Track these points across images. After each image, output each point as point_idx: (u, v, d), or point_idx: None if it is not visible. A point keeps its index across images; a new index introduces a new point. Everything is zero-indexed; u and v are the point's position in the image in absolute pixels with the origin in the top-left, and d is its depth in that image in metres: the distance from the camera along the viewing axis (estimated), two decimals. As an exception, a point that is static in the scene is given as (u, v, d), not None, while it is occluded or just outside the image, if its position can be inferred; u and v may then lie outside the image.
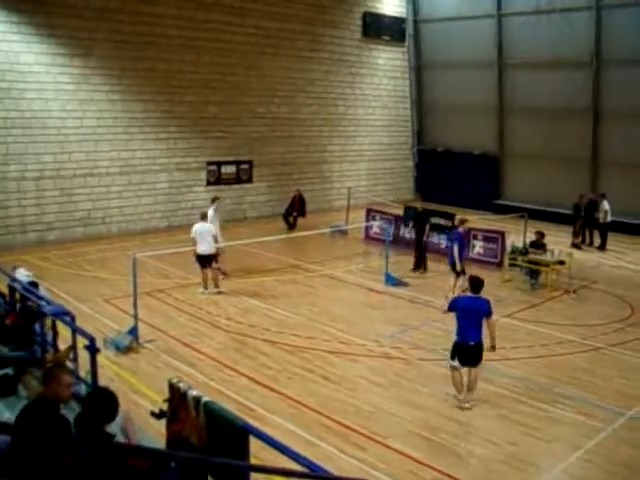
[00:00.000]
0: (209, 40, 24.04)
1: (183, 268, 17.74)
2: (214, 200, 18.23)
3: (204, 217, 16.27)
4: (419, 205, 18.97)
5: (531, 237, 18.79)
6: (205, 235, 15.63)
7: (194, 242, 15.68)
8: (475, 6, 29.11)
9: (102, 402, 5.27)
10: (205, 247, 15.58)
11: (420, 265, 18.68)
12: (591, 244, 22.11)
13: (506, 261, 18.81)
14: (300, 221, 24.16)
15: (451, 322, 14.14)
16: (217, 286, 15.95)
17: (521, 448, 9.09)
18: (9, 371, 7.66)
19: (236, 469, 5.21)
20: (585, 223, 22.25)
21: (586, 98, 26.07)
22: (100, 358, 7.88)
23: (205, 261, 15.73)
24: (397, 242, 20.78)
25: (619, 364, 12.30)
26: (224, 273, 16.93)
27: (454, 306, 10.58)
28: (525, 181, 28.75)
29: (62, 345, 8.63)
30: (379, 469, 8.43)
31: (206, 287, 15.89)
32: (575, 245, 21.52)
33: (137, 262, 12.91)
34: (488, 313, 10.23)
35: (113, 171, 22.47)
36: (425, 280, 17.89)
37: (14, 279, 10.07)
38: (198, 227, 15.83)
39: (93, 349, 7.39)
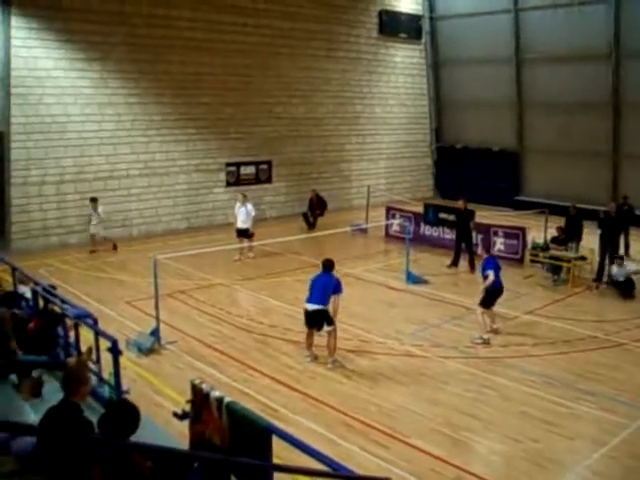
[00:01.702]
0: (224, 41, 24.10)
1: (204, 269, 17.85)
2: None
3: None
4: (461, 204, 18.90)
5: (552, 233, 18.70)
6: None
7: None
8: (492, 1, 28.96)
9: (123, 415, 5.26)
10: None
11: (457, 262, 18.82)
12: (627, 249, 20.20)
13: (527, 257, 18.72)
14: (320, 220, 24.17)
15: (470, 321, 14.14)
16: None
17: (544, 445, 9.05)
18: (35, 374, 7.73)
19: (259, 469, 5.23)
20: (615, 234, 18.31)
21: (606, 91, 25.85)
22: (122, 360, 7.93)
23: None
24: (418, 240, 20.76)
25: (643, 360, 12.22)
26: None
27: None
28: (545, 177, 28.53)
29: (84, 347, 8.69)
30: (401, 467, 8.43)
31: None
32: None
33: (158, 264, 12.99)
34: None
35: (133, 174, 22.63)
36: (447, 278, 17.85)
37: (37, 282, 10.15)
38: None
39: (116, 351, 7.43)
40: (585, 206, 23.38)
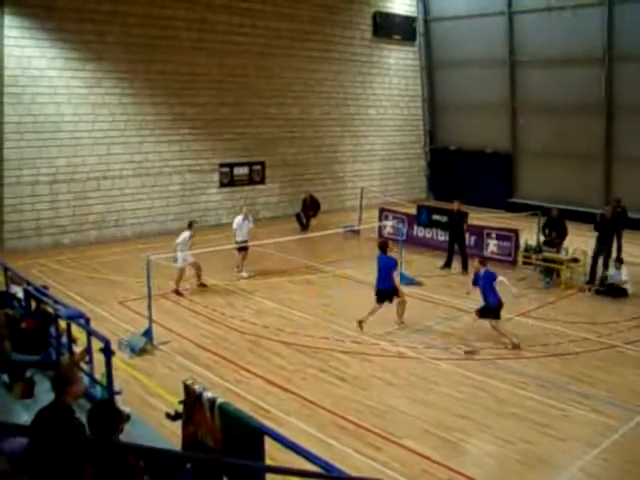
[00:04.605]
0: (219, 42, 24.10)
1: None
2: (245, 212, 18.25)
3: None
4: (456, 206, 18.85)
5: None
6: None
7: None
8: (486, 3, 29.00)
9: (102, 415, 5.23)
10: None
11: (450, 264, 18.85)
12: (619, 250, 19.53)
13: (520, 259, 18.74)
14: (313, 221, 24.18)
15: (464, 322, 14.15)
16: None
17: (536, 447, 9.06)
18: (27, 374, 7.70)
19: (251, 470, 5.23)
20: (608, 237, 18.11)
21: (599, 94, 25.90)
22: (115, 360, 7.91)
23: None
24: (411, 241, 20.77)
25: (635, 362, 12.22)
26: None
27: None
28: (538, 179, 28.57)
29: (77, 348, 8.67)
30: (394, 469, 8.43)
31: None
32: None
33: (151, 264, 12.97)
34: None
35: (126, 174, 22.58)
36: (440, 280, 17.85)
37: (29, 283, 10.12)
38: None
39: (108, 352, 7.41)
40: (577, 208, 23.53)
